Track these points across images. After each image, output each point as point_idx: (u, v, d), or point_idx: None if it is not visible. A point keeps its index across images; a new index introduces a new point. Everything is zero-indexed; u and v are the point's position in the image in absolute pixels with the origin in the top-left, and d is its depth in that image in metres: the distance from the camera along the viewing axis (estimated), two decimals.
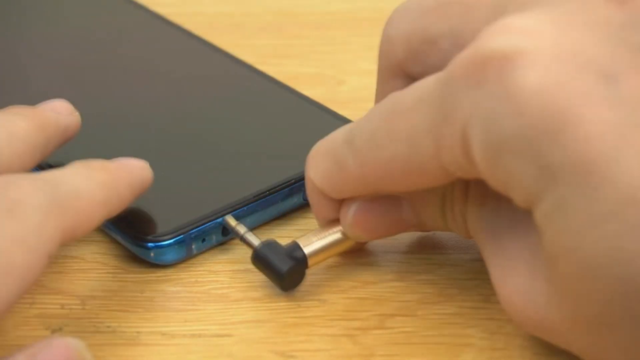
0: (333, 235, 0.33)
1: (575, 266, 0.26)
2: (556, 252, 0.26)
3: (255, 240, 0.33)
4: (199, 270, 0.34)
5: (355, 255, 0.34)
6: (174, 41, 0.45)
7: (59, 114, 0.35)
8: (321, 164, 0.32)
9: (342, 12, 0.46)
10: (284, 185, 0.36)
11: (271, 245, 0.33)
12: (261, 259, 0.33)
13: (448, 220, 0.32)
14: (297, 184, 0.36)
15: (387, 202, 0.32)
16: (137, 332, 0.32)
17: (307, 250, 0.33)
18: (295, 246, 0.33)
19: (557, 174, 0.25)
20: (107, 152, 0.37)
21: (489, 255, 0.29)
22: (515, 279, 0.28)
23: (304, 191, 0.35)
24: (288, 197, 0.36)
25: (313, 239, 0.33)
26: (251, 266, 0.33)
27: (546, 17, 0.27)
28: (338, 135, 0.32)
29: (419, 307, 0.32)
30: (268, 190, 0.36)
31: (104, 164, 0.32)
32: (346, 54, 0.47)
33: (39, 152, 0.33)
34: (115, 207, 0.31)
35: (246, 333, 0.32)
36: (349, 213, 0.32)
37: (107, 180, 0.31)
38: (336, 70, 0.45)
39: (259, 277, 0.33)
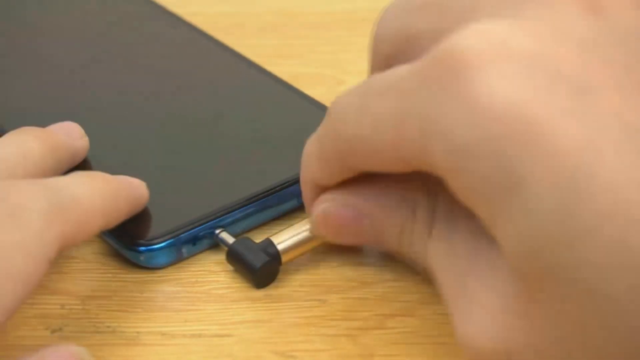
0: (306, 231, 0.33)
1: (549, 288, 0.25)
2: (526, 273, 0.26)
3: (229, 238, 0.34)
4: (199, 271, 0.34)
5: (355, 255, 0.34)
6: (177, 36, 0.45)
7: (70, 137, 0.35)
8: (311, 143, 0.32)
9: (342, 12, 0.46)
10: (278, 187, 0.36)
11: (245, 242, 0.33)
12: (235, 256, 0.33)
13: (404, 247, 0.31)
14: (292, 186, 0.36)
15: (351, 211, 0.32)
16: (137, 332, 0.32)
17: (280, 246, 0.33)
18: (269, 243, 0.33)
19: (526, 188, 0.25)
20: (99, 153, 0.37)
21: (451, 294, 0.28)
22: (480, 316, 0.27)
23: (299, 194, 0.35)
24: (283, 200, 0.36)
25: (286, 235, 0.33)
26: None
27: (519, 25, 0.26)
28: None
29: (419, 307, 0.32)
30: (262, 193, 0.35)
31: (104, 176, 0.32)
32: (346, 54, 0.47)
33: (49, 174, 0.33)
34: (113, 217, 0.32)
35: (246, 333, 0.32)
36: (316, 211, 0.32)
37: (107, 191, 0.32)
38: (336, 70, 0.45)
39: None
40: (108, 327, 0.32)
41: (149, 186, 0.34)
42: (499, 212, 0.26)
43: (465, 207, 0.28)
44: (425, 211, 0.31)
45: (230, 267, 0.34)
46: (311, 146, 0.32)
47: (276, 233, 0.34)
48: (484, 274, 0.28)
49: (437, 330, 0.31)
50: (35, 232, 0.28)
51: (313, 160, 0.32)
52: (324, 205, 0.32)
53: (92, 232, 0.31)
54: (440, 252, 0.30)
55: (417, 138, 0.27)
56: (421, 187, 0.31)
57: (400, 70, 0.28)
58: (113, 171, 0.33)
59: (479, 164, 0.25)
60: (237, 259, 0.33)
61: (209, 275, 0.34)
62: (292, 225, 0.34)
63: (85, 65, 0.43)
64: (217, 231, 0.34)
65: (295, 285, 0.33)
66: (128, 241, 0.34)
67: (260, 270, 0.33)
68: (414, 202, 0.31)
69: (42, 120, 0.36)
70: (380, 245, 0.33)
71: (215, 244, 0.35)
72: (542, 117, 0.25)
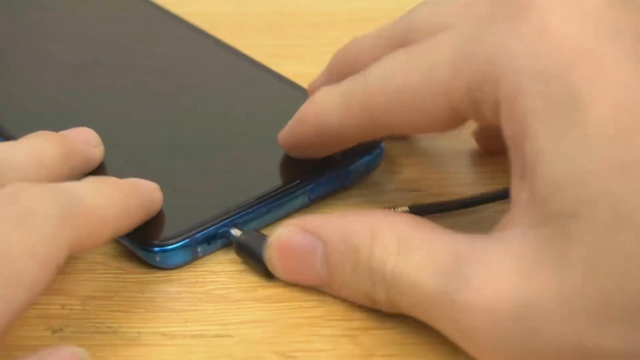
0: None
1: (586, 222, 0.26)
2: (560, 210, 0.26)
3: (237, 232, 0.34)
4: (200, 271, 0.34)
5: None
6: (178, 37, 0.45)
7: (86, 144, 0.35)
8: (327, 93, 0.34)
9: (342, 12, 0.46)
10: (289, 186, 0.36)
11: (251, 234, 0.34)
12: (242, 248, 0.34)
13: (357, 277, 0.31)
14: (302, 184, 0.36)
15: (305, 238, 0.32)
16: (138, 333, 0.32)
17: None
18: None
19: (587, 112, 0.26)
20: (107, 154, 0.37)
21: (441, 286, 0.28)
22: (495, 278, 0.27)
23: (309, 191, 0.35)
24: (294, 198, 0.36)
25: None
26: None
27: None
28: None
29: None
30: (274, 192, 0.35)
31: (117, 183, 0.32)
32: None
33: (61, 181, 0.33)
34: (124, 225, 0.32)
35: (247, 333, 0.32)
36: (271, 237, 0.33)
37: (119, 198, 0.31)
38: None
39: (259, 277, 0.34)
40: (109, 327, 0.32)
41: (162, 187, 0.34)
42: (556, 136, 0.27)
43: (432, 229, 0.30)
44: (387, 233, 0.30)
45: (230, 268, 0.34)
46: (333, 98, 0.33)
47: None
48: (488, 250, 0.28)
49: (437, 330, 0.31)
50: (45, 238, 0.28)
51: (334, 110, 0.33)
52: (280, 232, 0.33)
53: (102, 239, 0.31)
54: (419, 261, 0.29)
55: (478, 69, 0.29)
56: (380, 215, 0.31)
57: (463, 25, 0.30)
58: (122, 172, 0.34)
59: (545, 86, 0.27)
60: (245, 250, 0.34)
61: (210, 276, 0.34)
62: None
63: (87, 66, 0.43)
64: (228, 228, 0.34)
65: (295, 285, 0.33)
66: (143, 242, 0.34)
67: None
68: (373, 227, 0.31)
69: (43, 119, 0.36)
70: (330, 285, 0.32)
71: (230, 243, 0.35)
72: (610, 53, 0.27)
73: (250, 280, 0.34)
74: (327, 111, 0.34)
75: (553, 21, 0.28)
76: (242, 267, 0.34)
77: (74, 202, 0.29)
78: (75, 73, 0.43)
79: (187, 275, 0.34)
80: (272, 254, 0.33)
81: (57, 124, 0.36)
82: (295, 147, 0.36)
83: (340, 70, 0.36)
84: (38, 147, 0.33)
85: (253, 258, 0.33)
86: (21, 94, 0.42)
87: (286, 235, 0.32)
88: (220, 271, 0.34)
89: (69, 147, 0.34)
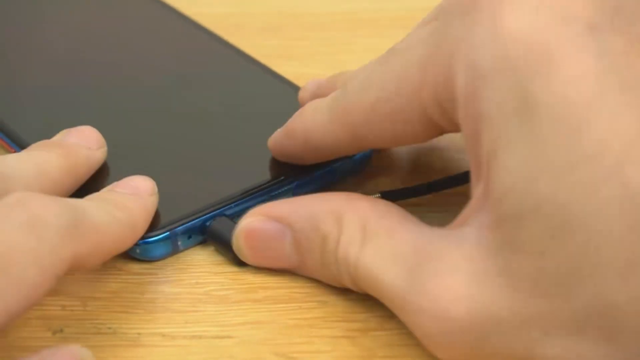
0: None
1: (536, 225, 0.25)
2: (512, 214, 0.26)
3: (209, 221, 0.34)
4: (200, 272, 0.34)
5: None
6: (181, 34, 0.45)
7: (90, 149, 0.35)
8: (319, 111, 0.34)
9: (343, 13, 0.46)
10: (274, 182, 0.36)
11: (222, 221, 0.34)
12: (212, 234, 0.34)
13: (325, 262, 0.32)
14: (287, 181, 0.36)
15: (274, 226, 0.33)
16: (138, 334, 0.32)
17: None
18: None
19: (534, 110, 0.26)
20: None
21: (402, 285, 0.29)
22: (454, 284, 0.27)
23: (294, 188, 0.35)
24: (278, 195, 0.36)
25: None
26: (252, 267, 0.34)
27: None
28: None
29: None
30: (258, 187, 0.36)
31: (125, 204, 0.32)
32: (347, 55, 0.47)
33: (64, 193, 0.33)
34: (127, 245, 0.32)
35: (247, 334, 0.32)
36: (239, 226, 0.33)
37: (125, 222, 0.32)
38: (337, 71, 0.45)
39: (259, 278, 0.34)
40: (109, 328, 0.32)
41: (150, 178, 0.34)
42: (506, 138, 0.26)
43: (398, 218, 0.30)
44: (353, 221, 0.31)
45: (230, 269, 0.34)
46: (319, 114, 0.33)
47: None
48: (447, 252, 0.28)
49: None
50: (51, 246, 0.28)
51: (319, 126, 0.33)
52: (247, 220, 0.33)
53: (103, 259, 0.31)
54: (381, 254, 0.30)
55: (444, 68, 0.28)
56: (347, 201, 0.32)
57: (427, 24, 0.30)
58: (113, 166, 0.35)
59: (495, 84, 0.27)
60: (214, 237, 0.34)
61: (210, 277, 0.34)
62: None
63: (87, 63, 0.43)
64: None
65: (295, 286, 0.33)
66: None
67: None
68: (340, 214, 0.31)
69: (44, 117, 0.36)
70: (301, 268, 0.33)
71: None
72: (561, 46, 0.26)
73: (250, 281, 0.34)
74: (313, 127, 0.34)
75: (504, 14, 0.27)
76: (241, 268, 0.34)
77: (80, 218, 0.29)
78: (75, 71, 0.43)
79: (187, 276, 0.34)
80: (240, 244, 0.33)
81: (59, 122, 0.36)
82: (283, 156, 0.36)
83: (327, 93, 0.36)
84: (43, 159, 0.33)
85: (223, 245, 0.34)
86: (23, 91, 0.42)
87: (253, 224, 0.33)
88: (220, 272, 0.34)
89: (75, 159, 0.34)
